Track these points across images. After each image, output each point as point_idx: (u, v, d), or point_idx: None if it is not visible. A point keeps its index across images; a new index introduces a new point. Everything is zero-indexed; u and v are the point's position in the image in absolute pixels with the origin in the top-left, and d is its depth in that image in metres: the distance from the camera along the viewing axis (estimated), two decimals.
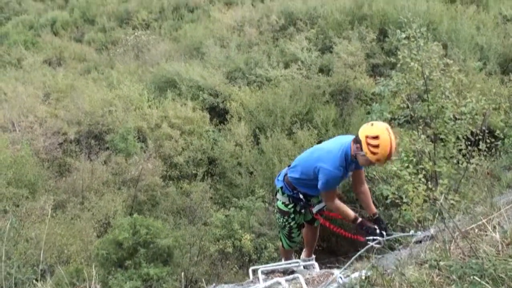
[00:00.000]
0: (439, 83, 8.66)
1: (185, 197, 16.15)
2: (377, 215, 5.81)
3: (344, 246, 13.11)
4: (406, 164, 7.72)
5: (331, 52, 21.19)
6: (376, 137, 5.12)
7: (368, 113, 12.14)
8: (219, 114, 19.73)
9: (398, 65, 9.24)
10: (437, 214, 4.57)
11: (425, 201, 7.48)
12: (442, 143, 8.62)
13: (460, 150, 8.50)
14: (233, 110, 18.82)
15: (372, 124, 5.22)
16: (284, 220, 6.16)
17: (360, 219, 5.57)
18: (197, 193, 15.86)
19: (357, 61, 19.82)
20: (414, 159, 7.99)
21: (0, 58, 30.14)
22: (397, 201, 8.01)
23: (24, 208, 12.80)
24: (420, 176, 7.45)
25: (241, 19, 26.72)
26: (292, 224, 6.18)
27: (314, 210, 6.14)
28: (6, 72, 25.61)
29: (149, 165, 16.15)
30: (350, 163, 5.47)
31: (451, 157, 8.56)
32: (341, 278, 4.63)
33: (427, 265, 3.34)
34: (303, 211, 6.15)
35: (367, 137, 5.13)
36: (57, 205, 14.09)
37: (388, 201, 8.42)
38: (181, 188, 16.67)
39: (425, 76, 8.61)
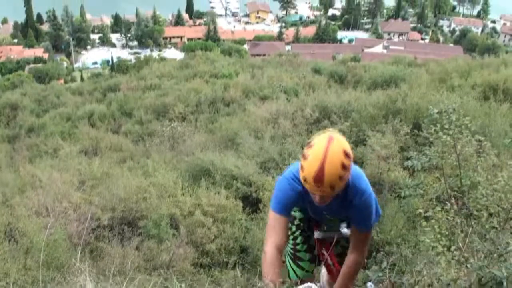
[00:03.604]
0: (471, 160, 8.66)
1: (216, 285, 15.94)
2: None
3: None
4: (439, 236, 7.62)
5: (364, 144, 21.22)
6: (310, 145, 3.74)
7: (403, 198, 12.02)
8: (252, 203, 19.65)
9: (431, 139, 9.31)
10: None
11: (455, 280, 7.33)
12: (475, 220, 8.51)
13: (493, 227, 8.39)
14: (266, 199, 18.75)
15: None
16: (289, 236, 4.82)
17: None
18: (228, 281, 15.66)
19: (391, 154, 19.80)
20: (447, 232, 7.87)
21: (37, 148, 31.02)
22: None
23: None
24: (453, 249, 7.35)
25: (275, 112, 27.17)
26: (298, 240, 4.91)
27: (315, 235, 4.90)
28: (42, 161, 26.08)
29: (180, 250, 16.07)
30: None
31: (485, 234, 8.45)
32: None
33: None
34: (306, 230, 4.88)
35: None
36: None
37: None
38: (211, 276, 16.49)
39: (457, 151, 8.58)
